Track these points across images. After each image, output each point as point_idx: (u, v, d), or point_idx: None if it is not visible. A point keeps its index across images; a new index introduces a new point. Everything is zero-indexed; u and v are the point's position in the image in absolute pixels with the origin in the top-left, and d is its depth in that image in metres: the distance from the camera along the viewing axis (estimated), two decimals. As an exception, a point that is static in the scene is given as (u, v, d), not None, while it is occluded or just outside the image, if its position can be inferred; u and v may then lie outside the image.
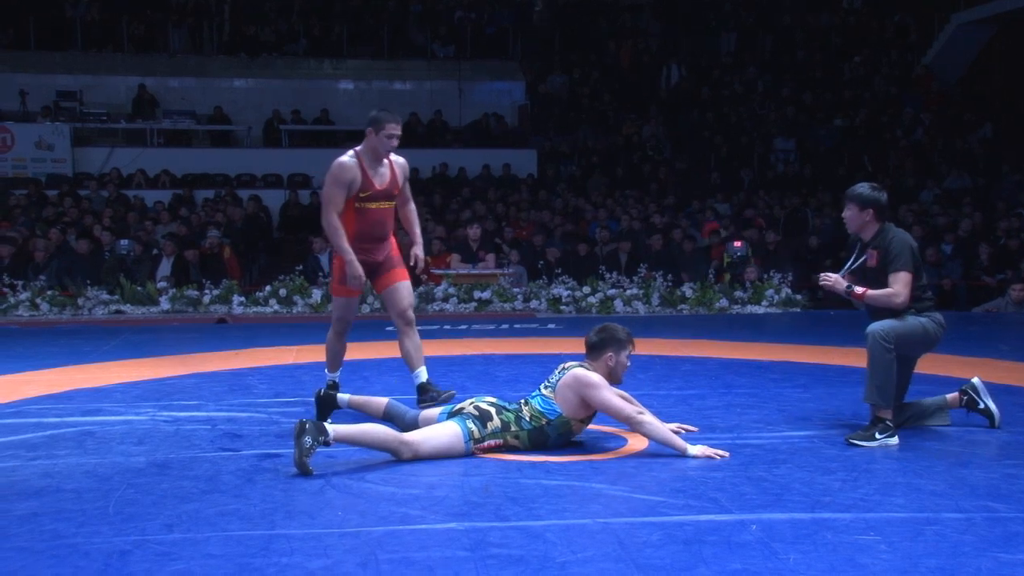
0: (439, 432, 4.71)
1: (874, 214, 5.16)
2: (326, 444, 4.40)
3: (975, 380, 5.47)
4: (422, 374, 5.58)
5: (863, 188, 5.23)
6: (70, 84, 18.40)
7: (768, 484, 4.25)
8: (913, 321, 5.05)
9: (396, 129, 5.53)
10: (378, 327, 9.94)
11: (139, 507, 3.97)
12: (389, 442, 4.59)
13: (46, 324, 10.55)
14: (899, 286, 4.98)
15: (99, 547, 3.49)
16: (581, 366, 4.84)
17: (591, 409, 4.82)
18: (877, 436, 4.95)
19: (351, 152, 5.56)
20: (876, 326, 4.99)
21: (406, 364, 5.69)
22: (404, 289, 5.69)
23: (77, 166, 17.14)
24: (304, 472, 4.35)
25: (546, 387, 4.88)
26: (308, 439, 4.35)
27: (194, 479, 4.38)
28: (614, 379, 4.89)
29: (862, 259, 5.22)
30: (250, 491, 4.17)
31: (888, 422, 5.01)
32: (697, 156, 18.11)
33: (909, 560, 3.37)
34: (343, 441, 4.50)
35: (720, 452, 4.69)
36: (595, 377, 4.75)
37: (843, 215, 5.34)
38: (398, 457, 4.57)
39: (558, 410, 4.79)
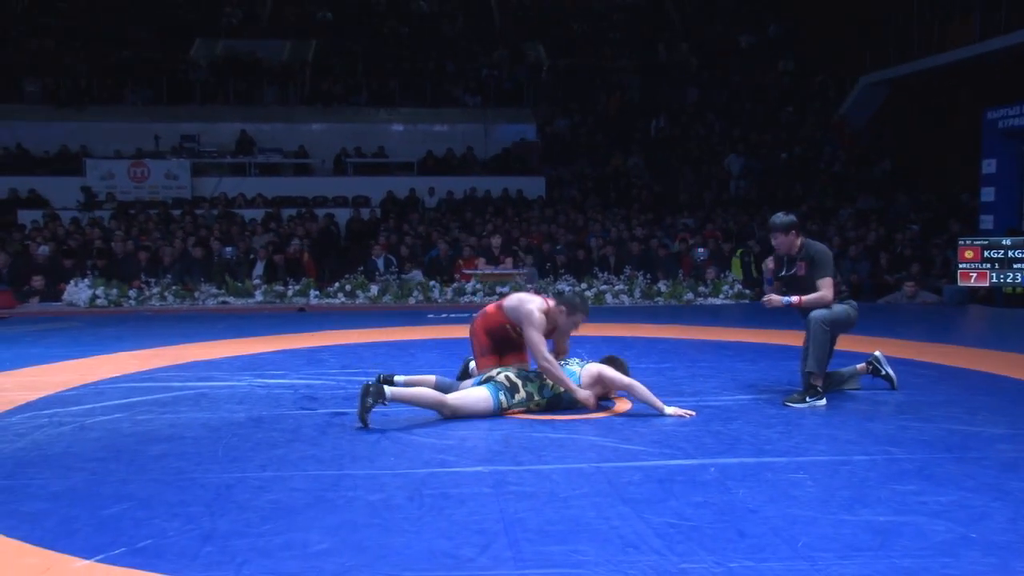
0: (473, 396, 4.66)
1: (795, 232, 5.10)
2: (384, 403, 4.40)
3: (877, 353, 5.46)
4: None
5: (780, 218, 5.11)
6: (191, 130, 18.47)
7: (723, 436, 4.23)
8: (839, 308, 5.06)
9: (582, 322, 4.89)
10: (421, 316, 9.97)
11: (240, 451, 3.99)
12: (433, 403, 4.57)
13: (171, 312, 10.61)
14: (825, 289, 5.00)
15: (212, 481, 3.53)
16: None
17: (607, 388, 4.86)
18: (808, 400, 4.92)
19: (542, 307, 4.78)
20: (816, 313, 4.98)
21: None
22: None
23: (195, 191, 17.19)
24: (363, 424, 4.35)
25: (579, 364, 4.90)
26: (370, 399, 4.34)
27: (281, 431, 4.39)
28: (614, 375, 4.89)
29: (793, 270, 5.15)
30: (324, 441, 4.18)
31: (819, 388, 4.97)
32: (669, 182, 18.01)
33: (828, 491, 3.37)
34: (398, 400, 4.49)
35: (689, 412, 4.66)
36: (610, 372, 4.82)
37: (774, 244, 5.16)
38: (441, 414, 4.56)
39: (579, 381, 4.79)
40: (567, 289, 11.22)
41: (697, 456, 3.85)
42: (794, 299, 5.01)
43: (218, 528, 2.99)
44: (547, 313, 4.79)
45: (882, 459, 3.80)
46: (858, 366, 5.44)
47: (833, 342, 5.16)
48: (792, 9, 22.96)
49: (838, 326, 5.05)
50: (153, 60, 20.02)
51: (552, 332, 4.94)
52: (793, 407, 4.86)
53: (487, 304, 5.18)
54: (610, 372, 4.80)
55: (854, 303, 5.17)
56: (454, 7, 23.42)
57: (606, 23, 23.04)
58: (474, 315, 5.19)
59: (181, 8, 22.09)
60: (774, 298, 5.08)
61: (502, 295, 5.13)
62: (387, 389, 4.42)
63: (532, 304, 4.80)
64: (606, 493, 3.33)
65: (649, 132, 19.51)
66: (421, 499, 3.27)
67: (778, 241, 5.12)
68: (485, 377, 4.80)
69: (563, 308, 4.80)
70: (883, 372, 5.37)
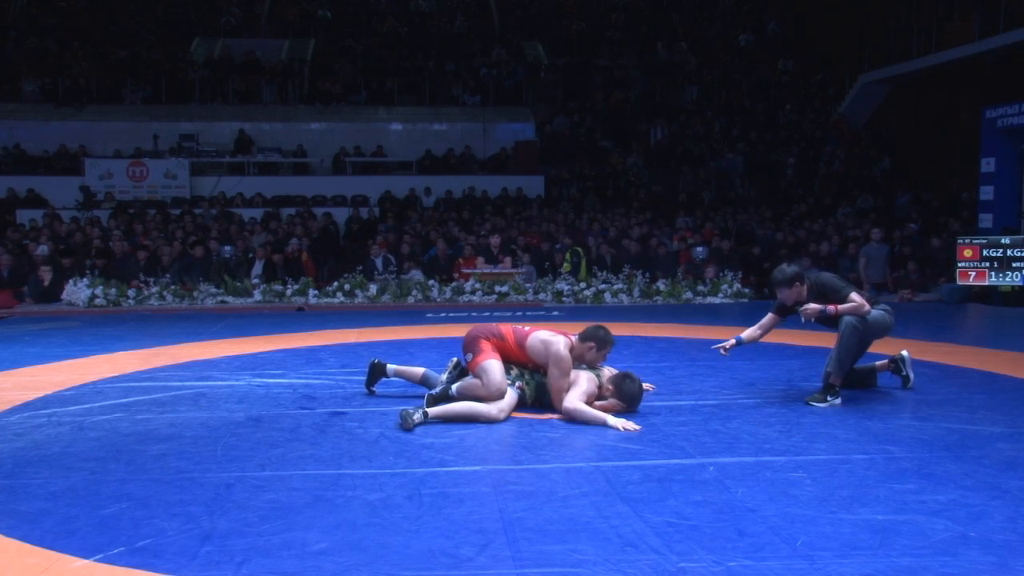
0: (510, 396, 4.62)
1: (799, 283, 5.06)
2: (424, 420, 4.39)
3: (904, 352, 5.47)
4: None
5: (782, 272, 5.09)
6: (190, 129, 18.47)
7: (722, 435, 4.23)
8: (875, 313, 5.04)
9: (609, 353, 4.80)
10: (420, 315, 9.97)
11: (239, 451, 3.99)
12: (476, 412, 4.49)
13: (170, 311, 10.60)
14: (856, 302, 4.97)
15: (211, 480, 3.53)
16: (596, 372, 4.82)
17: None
18: (828, 399, 4.92)
19: (566, 345, 4.65)
20: (849, 317, 4.95)
21: None
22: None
23: (194, 191, 17.17)
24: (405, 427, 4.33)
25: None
26: (416, 416, 4.35)
27: (280, 430, 4.39)
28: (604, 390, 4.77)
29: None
30: (323, 440, 4.18)
31: (838, 388, 4.97)
32: (668, 181, 18.01)
33: (827, 490, 3.37)
34: (438, 419, 4.44)
35: (634, 426, 4.32)
36: (582, 378, 4.70)
37: (781, 297, 5.12)
38: (493, 422, 4.45)
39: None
40: (565, 288, 11.27)
41: (696, 455, 3.85)
42: (831, 308, 4.96)
43: (217, 527, 2.99)
44: (571, 351, 4.68)
45: (881, 458, 3.80)
46: (878, 363, 5.45)
47: (864, 346, 5.13)
48: (791, 8, 22.96)
49: (872, 330, 5.04)
50: (152, 60, 20.03)
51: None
52: (815, 407, 4.85)
53: (496, 323, 4.97)
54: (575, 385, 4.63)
55: (888, 307, 5.20)
56: (454, 6, 23.41)
57: (605, 22, 23.03)
58: (480, 330, 4.84)
59: (180, 8, 22.09)
60: (812, 307, 4.99)
61: (522, 324, 5.00)
62: (430, 411, 4.43)
63: (560, 346, 4.62)
64: (605, 492, 3.33)
65: (648, 140, 19.50)
66: (420, 498, 3.27)
67: (784, 295, 5.11)
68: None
69: (592, 344, 4.66)
70: (903, 372, 5.38)
